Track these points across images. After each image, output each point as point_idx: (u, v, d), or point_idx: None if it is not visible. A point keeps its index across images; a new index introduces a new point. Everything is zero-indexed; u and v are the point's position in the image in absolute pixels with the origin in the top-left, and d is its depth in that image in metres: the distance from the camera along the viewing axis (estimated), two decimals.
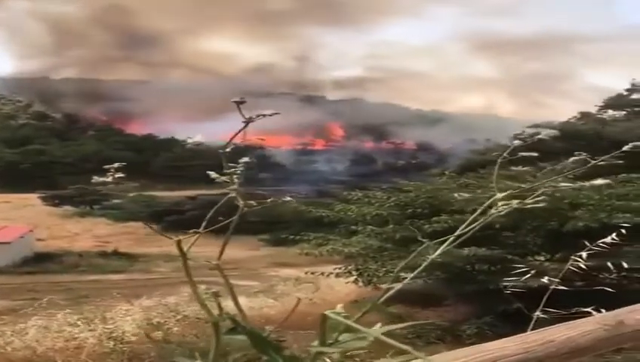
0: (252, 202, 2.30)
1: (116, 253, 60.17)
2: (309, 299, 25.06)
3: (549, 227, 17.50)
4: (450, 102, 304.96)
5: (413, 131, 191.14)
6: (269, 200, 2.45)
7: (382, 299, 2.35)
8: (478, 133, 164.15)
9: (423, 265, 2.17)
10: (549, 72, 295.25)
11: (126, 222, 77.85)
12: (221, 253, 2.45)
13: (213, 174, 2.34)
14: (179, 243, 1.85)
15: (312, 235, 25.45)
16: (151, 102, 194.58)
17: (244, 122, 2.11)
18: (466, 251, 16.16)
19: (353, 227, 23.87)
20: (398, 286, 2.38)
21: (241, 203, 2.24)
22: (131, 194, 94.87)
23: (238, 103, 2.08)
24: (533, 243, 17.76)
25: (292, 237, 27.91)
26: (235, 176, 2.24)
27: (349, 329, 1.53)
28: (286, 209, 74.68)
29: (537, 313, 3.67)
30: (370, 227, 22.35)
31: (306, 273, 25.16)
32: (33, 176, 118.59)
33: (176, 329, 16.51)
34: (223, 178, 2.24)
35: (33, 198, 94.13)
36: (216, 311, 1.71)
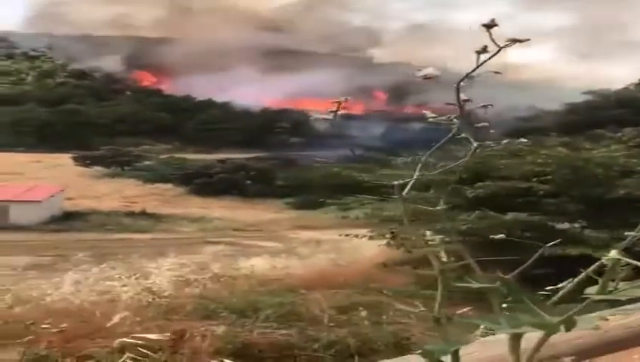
0: (489, 142, 1.98)
1: (143, 213, 60.82)
2: (332, 261, 25.39)
3: (593, 195, 17.47)
4: (504, 66, 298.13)
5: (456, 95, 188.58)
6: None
7: None
8: (524, 100, 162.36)
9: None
10: (612, 32, 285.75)
11: (155, 183, 78.96)
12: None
13: (428, 113, 2.06)
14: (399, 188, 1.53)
15: (350, 199, 25.60)
16: (190, 61, 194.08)
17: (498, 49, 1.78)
18: (508, 216, 16.23)
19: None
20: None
21: (474, 144, 1.89)
22: (163, 156, 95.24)
23: (488, 27, 1.80)
24: (574, 210, 17.73)
25: (324, 200, 27.94)
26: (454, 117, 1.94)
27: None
28: (316, 173, 74.72)
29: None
30: (413, 192, 22.50)
31: (340, 235, 25.29)
32: (67, 136, 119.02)
33: (209, 285, 16.87)
34: (441, 118, 1.99)
35: (65, 158, 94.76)
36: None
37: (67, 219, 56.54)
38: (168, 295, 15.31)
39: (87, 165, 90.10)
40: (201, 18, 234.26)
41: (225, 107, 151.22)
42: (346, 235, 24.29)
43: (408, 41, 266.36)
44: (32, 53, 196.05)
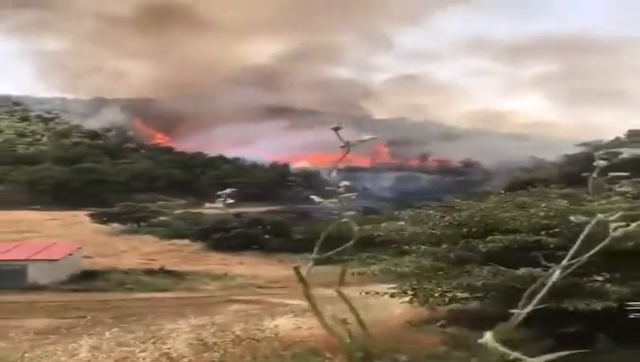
0: (367, 226, 2.52)
1: (162, 271, 59.81)
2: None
3: (603, 247, 16.95)
4: (492, 117, 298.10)
5: (456, 149, 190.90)
6: (382, 224, 2.55)
7: (514, 325, 2.49)
8: (520, 150, 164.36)
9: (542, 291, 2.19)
10: (596, 81, 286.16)
11: (172, 239, 78.56)
12: (341, 280, 3.08)
13: (316, 198, 2.57)
14: (297, 269, 1.96)
15: (364, 255, 25.01)
16: (200, 118, 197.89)
17: (342, 147, 2.38)
18: (520, 271, 15.74)
19: (406, 247, 23.34)
20: (522, 314, 2.67)
21: (355, 228, 2.29)
22: (178, 212, 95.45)
23: (336, 129, 2.38)
24: (590, 263, 17.19)
25: (342, 257, 27.33)
26: (343, 201, 2.26)
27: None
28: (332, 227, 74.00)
29: None
30: (423, 247, 21.92)
31: (360, 293, 24.61)
32: (83, 193, 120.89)
33: (230, 349, 16.24)
34: (327, 201, 2.47)
35: (82, 216, 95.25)
36: (346, 338, 1.61)
37: (86, 278, 55.68)
38: (188, 361, 14.74)
39: (103, 222, 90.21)
40: (202, 75, 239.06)
41: (235, 162, 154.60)
42: (366, 293, 23.62)
43: (399, 95, 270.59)
44: (47, 116, 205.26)
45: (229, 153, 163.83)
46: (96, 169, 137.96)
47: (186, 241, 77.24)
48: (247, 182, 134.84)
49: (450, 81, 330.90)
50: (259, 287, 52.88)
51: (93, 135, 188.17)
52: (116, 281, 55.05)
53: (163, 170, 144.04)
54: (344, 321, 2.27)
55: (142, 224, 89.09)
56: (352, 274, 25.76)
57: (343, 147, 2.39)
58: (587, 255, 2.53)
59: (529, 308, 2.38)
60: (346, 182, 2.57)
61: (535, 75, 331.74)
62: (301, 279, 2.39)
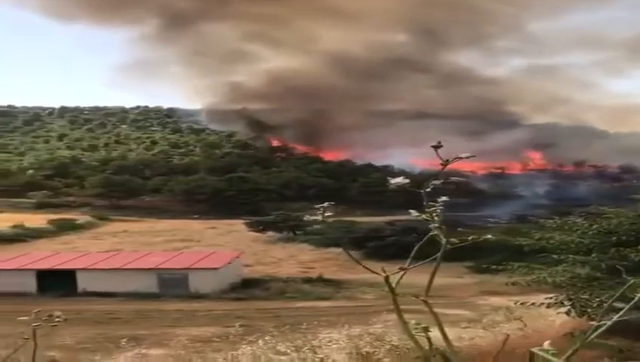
0: (454, 239, 2.74)
1: (321, 280, 59.49)
2: (520, 330, 24.13)
3: None
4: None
5: (611, 154, 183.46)
6: (470, 238, 2.53)
7: (591, 337, 2.28)
8: None
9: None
10: None
11: (328, 247, 77.71)
12: (428, 288, 2.84)
13: (414, 213, 2.74)
14: (387, 279, 1.99)
15: (515, 264, 24.47)
16: (343, 123, 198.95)
17: (441, 164, 2.48)
18: None
19: (554, 256, 22.70)
20: (604, 326, 2.41)
21: (443, 240, 2.48)
22: (332, 220, 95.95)
23: (436, 147, 2.45)
24: None
25: (495, 267, 27.00)
26: (435, 215, 2.55)
27: None
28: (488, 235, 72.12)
29: None
30: (572, 256, 21.31)
31: (515, 303, 24.05)
32: (237, 202, 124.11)
33: (386, 359, 16.21)
34: (424, 216, 2.57)
35: (238, 224, 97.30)
36: (426, 346, 1.69)
37: (247, 287, 56.03)
38: None
39: (260, 230, 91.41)
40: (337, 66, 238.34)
41: (385, 170, 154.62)
42: (521, 303, 23.01)
43: (535, 91, 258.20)
44: (196, 127, 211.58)
45: (378, 161, 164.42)
46: (248, 178, 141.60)
47: (341, 250, 76.27)
48: (397, 190, 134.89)
49: (588, 76, 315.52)
50: (416, 297, 50.76)
51: (243, 145, 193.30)
52: (276, 290, 54.97)
53: (312, 178, 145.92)
54: (426, 329, 2.39)
55: (297, 232, 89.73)
56: (507, 284, 25.27)
57: (442, 164, 2.51)
58: None
59: (612, 321, 2.33)
60: (445, 198, 2.71)
61: None
62: (390, 288, 2.72)
